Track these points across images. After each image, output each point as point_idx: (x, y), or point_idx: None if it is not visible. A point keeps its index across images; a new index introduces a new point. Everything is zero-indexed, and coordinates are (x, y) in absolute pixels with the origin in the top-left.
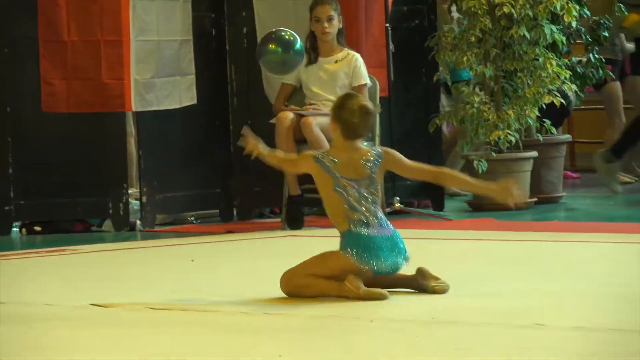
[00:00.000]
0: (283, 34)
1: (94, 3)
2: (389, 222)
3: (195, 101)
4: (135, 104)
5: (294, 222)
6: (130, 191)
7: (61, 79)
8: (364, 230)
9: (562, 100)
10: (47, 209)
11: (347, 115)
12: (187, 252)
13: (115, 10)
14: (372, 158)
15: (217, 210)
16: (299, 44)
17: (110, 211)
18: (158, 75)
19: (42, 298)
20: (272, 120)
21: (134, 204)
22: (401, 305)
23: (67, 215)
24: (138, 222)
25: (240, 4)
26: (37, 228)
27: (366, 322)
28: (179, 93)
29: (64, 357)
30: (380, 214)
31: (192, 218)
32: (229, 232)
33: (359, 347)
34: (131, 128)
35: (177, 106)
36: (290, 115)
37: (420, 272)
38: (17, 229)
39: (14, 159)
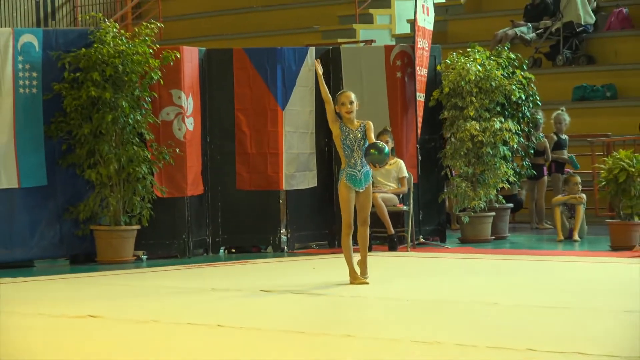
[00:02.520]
0: (379, 144)
1: (264, 133)
2: (364, 163)
3: (316, 184)
4: (285, 186)
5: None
6: (282, 230)
7: (247, 172)
8: (350, 170)
9: (509, 186)
10: (238, 240)
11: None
12: (311, 263)
13: (275, 136)
14: (360, 127)
15: (327, 242)
16: (386, 150)
17: (271, 241)
18: (297, 170)
19: (255, 283)
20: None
21: (283, 237)
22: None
23: (249, 243)
24: (285, 247)
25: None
26: (233, 250)
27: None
28: (308, 180)
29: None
30: (361, 158)
31: (314, 245)
32: (333, 253)
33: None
34: (283, 199)
35: (307, 187)
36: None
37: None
38: (223, 251)
39: (222, 214)
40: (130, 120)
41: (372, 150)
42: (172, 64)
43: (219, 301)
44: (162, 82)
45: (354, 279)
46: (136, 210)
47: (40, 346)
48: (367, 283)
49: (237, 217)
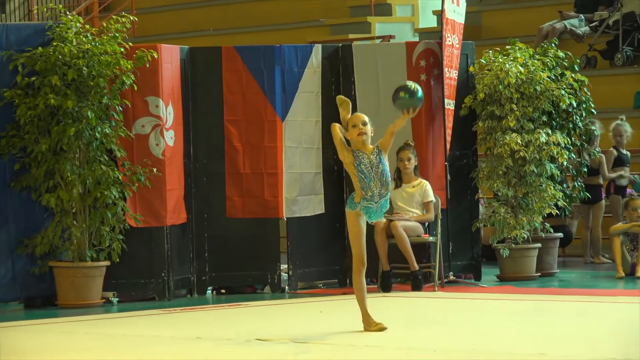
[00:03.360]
0: (410, 84)
1: (260, 148)
2: (382, 194)
3: (323, 210)
4: (286, 213)
5: (386, 288)
6: (282, 267)
7: (239, 197)
8: (367, 203)
9: (557, 212)
10: (228, 279)
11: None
12: (317, 306)
13: (273, 153)
14: (375, 150)
15: (337, 280)
16: (420, 93)
17: (269, 280)
18: (300, 194)
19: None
20: (372, 223)
21: (284, 275)
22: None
23: (242, 282)
24: (286, 287)
25: None
26: (223, 290)
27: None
28: (313, 206)
29: None
30: (379, 189)
31: (321, 285)
32: (344, 293)
33: None
34: (283, 228)
35: (312, 214)
36: (383, 220)
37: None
38: (210, 292)
39: (209, 248)
40: (97, 134)
41: (402, 94)
42: (147, 65)
43: (207, 353)
44: (135, 87)
45: (369, 325)
46: (105, 243)
47: None
48: (385, 328)
49: (227, 251)
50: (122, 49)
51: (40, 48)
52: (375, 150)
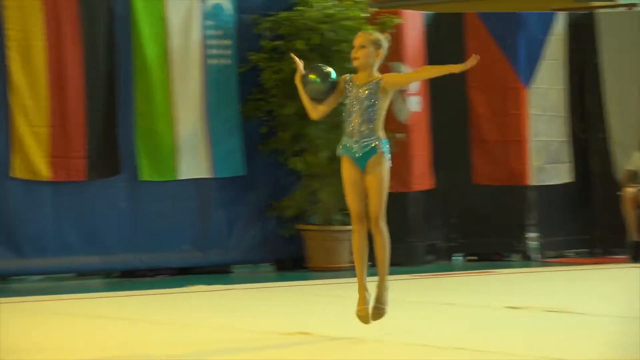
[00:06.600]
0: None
1: (504, 116)
2: (367, 134)
3: (571, 179)
4: (532, 181)
5: (637, 258)
6: (529, 235)
7: (485, 163)
8: (346, 139)
9: None
10: (476, 245)
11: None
12: (567, 275)
13: (518, 120)
14: (371, 84)
15: (588, 249)
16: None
17: (516, 247)
18: (547, 162)
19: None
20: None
21: (532, 243)
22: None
23: (489, 249)
24: (535, 255)
25: None
26: (471, 257)
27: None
28: (560, 174)
29: None
30: (363, 127)
31: (572, 254)
32: (596, 263)
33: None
34: (530, 196)
35: (559, 182)
36: (632, 189)
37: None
38: (459, 257)
39: (455, 214)
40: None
41: (312, 76)
42: (391, 31)
43: (456, 319)
44: None
45: (360, 308)
46: None
47: None
48: (366, 320)
49: (473, 217)
50: (365, 14)
51: (284, 12)
52: (373, 84)
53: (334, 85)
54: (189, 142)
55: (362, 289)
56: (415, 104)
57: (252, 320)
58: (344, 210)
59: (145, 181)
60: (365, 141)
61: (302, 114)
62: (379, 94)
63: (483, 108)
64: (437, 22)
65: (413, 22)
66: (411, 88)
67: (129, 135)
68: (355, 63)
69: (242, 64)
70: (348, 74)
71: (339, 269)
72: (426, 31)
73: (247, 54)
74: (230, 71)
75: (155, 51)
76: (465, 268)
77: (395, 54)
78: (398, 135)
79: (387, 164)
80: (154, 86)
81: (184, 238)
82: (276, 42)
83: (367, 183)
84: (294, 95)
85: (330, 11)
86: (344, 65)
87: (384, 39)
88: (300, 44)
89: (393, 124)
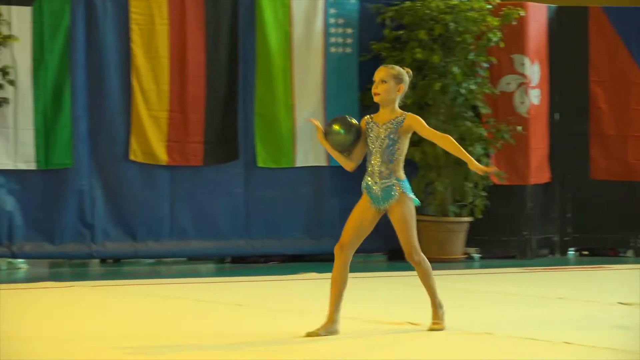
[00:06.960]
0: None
1: (625, 111)
2: (386, 175)
3: None
4: None
5: None
6: None
7: (603, 158)
8: (368, 178)
9: None
10: (590, 240)
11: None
12: None
13: (639, 117)
14: (391, 122)
15: None
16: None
17: (631, 244)
18: None
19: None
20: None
21: None
22: None
23: (605, 245)
24: None
25: None
26: (585, 252)
27: None
28: None
29: None
30: (383, 168)
31: None
32: None
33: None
34: None
35: None
36: None
37: None
38: (573, 252)
39: (571, 208)
40: (462, 90)
41: (335, 127)
42: (514, 23)
43: (566, 313)
44: (502, 44)
45: (323, 326)
46: (467, 199)
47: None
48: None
49: (590, 212)
50: (489, 6)
51: (408, 2)
52: (394, 123)
53: (358, 134)
54: (307, 130)
55: (332, 312)
56: (535, 97)
57: (362, 309)
58: (459, 202)
59: (261, 167)
60: (385, 182)
61: (422, 103)
62: (400, 133)
63: (604, 102)
64: (560, 15)
65: (536, 15)
66: (532, 80)
67: (248, 122)
68: (376, 99)
69: (363, 53)
70: (368, 115)
71: (452, 261)
72: (549, 24)
73: (369, 43)
74: (351, 60)
75: (278, 38)
76: (578, 263)
77: (517, 46)
78: (517, 128)
79: (410, 203)
80: (276, 73)
81: (297, 225)
82: (399, 32)
83: (393, 224)
84: (414, 85)
85: (454, 2)
86: (467, 57)
87: (406, 74)
88: (422, 34)
89: (513, 116)
